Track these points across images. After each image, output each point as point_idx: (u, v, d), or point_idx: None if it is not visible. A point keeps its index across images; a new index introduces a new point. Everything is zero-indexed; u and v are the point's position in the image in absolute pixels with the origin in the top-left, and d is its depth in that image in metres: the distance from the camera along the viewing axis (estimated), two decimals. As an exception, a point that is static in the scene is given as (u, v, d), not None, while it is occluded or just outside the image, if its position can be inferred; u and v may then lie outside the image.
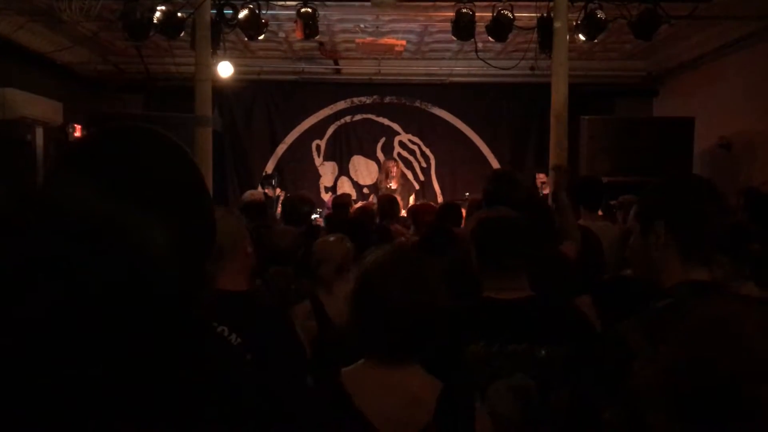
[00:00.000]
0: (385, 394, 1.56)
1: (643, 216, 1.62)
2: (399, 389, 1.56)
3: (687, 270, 1.55)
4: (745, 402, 0.85)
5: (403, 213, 6.77)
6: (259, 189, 8.31)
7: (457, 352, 1.89)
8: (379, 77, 9.86)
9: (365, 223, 4.30)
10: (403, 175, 9.25)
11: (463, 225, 4.27)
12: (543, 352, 1.89)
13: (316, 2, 6.83)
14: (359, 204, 7.86)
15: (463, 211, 4.95)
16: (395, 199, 6.19)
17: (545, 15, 6.74)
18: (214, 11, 6.71)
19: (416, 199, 8.87)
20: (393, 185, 8.27)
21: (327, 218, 5.35)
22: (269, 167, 10.16)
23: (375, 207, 5.82)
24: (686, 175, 1.82)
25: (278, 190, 8.41)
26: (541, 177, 8.27)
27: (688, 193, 1.58)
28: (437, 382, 1.60)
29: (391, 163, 8.68)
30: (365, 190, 10.30)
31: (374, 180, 10.14)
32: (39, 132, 7.83)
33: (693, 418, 0.87)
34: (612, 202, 5.25)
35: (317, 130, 10.39)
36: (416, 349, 1.60)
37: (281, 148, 10.30)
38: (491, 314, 1.99)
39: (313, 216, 5.93)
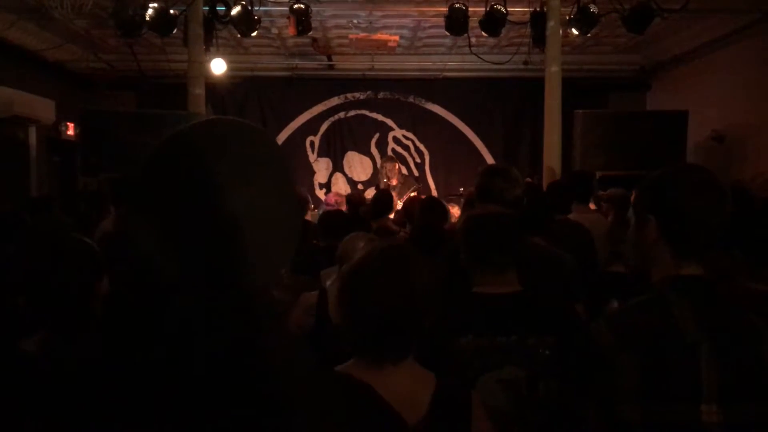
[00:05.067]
0: None
1: (637, 209, 1.62)
2: (387, 391, 1.53)
3: (678, 265, 1.54)
4: None
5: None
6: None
7: (447, 346, 1.89)
8: (373, 73, 9.86)
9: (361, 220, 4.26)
10: (402, 173, 9.14)
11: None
12: (531, 341, 1.90)
13: (308, -2, 6.81)
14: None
15: (451, 208, 4.88)
16: (390, 194, 6.15)
17: (538, 9, 6.75)
18: (207, 8, 6.69)
19: (417, 194, 8.77)
20: (393, 183, 8.19)
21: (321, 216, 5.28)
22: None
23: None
24: (682, 166, 1.72)
25: None
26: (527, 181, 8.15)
27: (679, 189, 1.53)
28: (430, 377, 1.58)
29: (388, 165, 8.46)
30: (360, 186, 10.26)
31: (368, 176, 10.12)
32: (32, 130, 7.83)
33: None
34: (600, 193, 5.25)
35: (311, 127, 10.37)
36: (404, 348, 1.58)
37: (275, 145, 10.27)
38: (480, 308, 1.99)
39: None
